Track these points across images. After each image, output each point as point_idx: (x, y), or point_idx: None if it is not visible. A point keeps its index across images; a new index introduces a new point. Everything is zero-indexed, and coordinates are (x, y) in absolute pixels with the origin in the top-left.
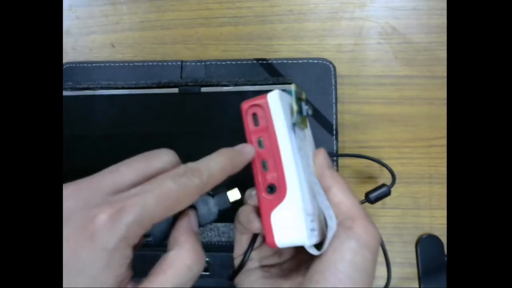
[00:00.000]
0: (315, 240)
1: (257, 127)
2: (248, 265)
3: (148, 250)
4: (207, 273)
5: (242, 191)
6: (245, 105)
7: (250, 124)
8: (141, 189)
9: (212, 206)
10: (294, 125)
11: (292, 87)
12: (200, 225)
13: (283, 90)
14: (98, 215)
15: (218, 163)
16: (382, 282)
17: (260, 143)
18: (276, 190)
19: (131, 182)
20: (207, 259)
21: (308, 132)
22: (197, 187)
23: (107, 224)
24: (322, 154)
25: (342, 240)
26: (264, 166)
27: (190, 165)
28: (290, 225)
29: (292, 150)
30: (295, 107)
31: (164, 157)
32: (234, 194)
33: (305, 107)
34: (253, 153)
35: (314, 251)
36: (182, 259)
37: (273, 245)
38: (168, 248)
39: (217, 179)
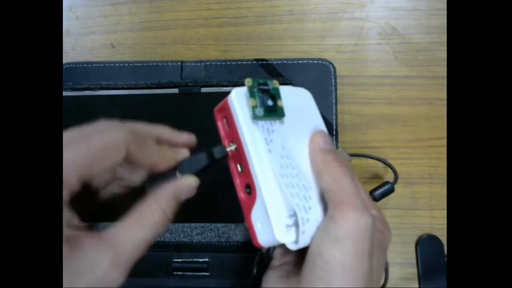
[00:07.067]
0: (293, 236)
1: (229, 130)
2: (271, 264)
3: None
4: (207, 273)
5: None
6: (216, 109)
7: (223, 128)
8: None
9: (202, 155)
10: (258, 119)
11: (246, 82)
12: (192, 171)
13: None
14: None
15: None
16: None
17: (233, 146)
18: (251, 190)
19: None
20: (207, 259)
21: (294, 119)
22: None
23: None
24: (315, 138)
25: (321, 232)
26: (241, 167)
27: None
28: (264, 224)
29: (256, 147)
30: (251, 102)
31: None
32: (231, 147)
33: (265, 98)
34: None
35: (292, 246)
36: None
37: (258, 245)
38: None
39: None
